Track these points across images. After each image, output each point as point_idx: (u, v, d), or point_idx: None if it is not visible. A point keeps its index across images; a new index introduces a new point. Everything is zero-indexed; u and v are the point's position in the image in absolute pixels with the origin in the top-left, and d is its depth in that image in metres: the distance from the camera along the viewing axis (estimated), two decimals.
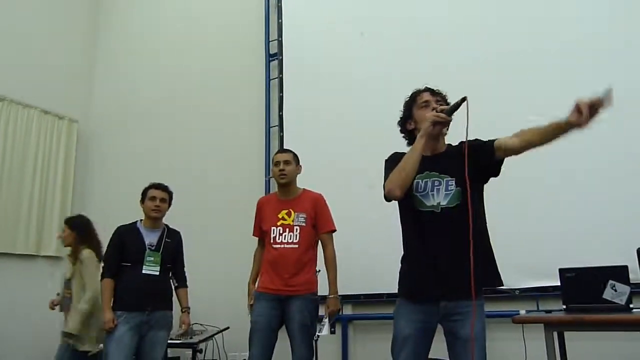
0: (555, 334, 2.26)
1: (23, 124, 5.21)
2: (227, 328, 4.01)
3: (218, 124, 5.02)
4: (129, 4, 6.15)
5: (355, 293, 3.95)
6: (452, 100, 2.08)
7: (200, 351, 3.93)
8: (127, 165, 5.48)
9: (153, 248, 3.27)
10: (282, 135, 4.58)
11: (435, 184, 2.08)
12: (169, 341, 3.85)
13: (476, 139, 2.09)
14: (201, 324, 4.13)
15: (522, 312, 2.94)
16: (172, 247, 3.37)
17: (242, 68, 5.05)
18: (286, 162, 3.20)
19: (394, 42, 4.20)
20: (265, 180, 4.53)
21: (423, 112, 2.14)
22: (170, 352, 4.30)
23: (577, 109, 1.69)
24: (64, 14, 5.89)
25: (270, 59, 4.86)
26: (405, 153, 2.12)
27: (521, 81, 3.65)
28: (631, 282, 2.29)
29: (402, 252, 2.22)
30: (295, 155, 3.30)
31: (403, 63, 4.10)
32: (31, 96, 5.30)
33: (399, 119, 2.28)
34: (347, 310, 4.01)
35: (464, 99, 1.94)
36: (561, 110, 1.78)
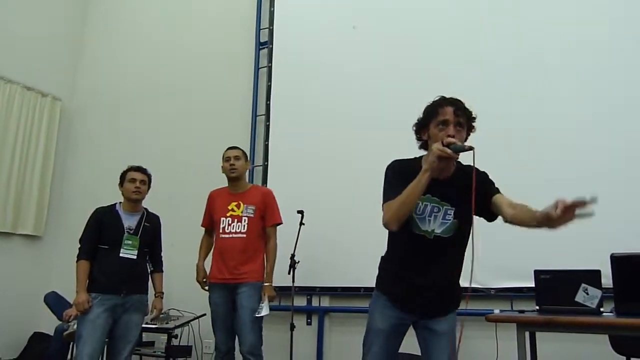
0: (527, 334, 2.29)
1: (4, 99, 5.10)
2: (204, 315, 4.00)
3: (204, 109, 4.98)
4: None
5: (333, 285, 3.98)
6: (480, 116, 2.07)
7: (176, 336, 3.92)
8: (109, 146, 5.42)
9: (132, 232, 3.25)
10: (269, 124, 4.56)
11: (434, 210, 2.06)
12: (145, 325, 3.83)
13: (485, 175, 2.12)
14: (177, 310, 4.13)
15: (496, 311, 2.99)
16: (150, 231, 3.36)
17: (231, 54, 5.00)
18: (236, 158, 3.43)
19: (386, 36, 4.19)
20: (250, 169, 4.50)
21: (438, 131, 1.97)
22: (145, 337, 4.29)
23: (556, 206, 1.71)
24: None
25: (260, 47, 4.83)
26: (408, 161, 2.13)
27: (518, 76, 3.67)
28: (603, 286, 2.33)
29: (384, 251, 2.25)
30: (244, 152, 3.53)
31: (395, 56, 4.10)
32: (14, 71, 5.20)
33: (416, 122, 2.12)
34: (325, 302, 4.03)
35: (471, 148, 1.90)
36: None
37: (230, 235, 3.33)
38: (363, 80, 4.17)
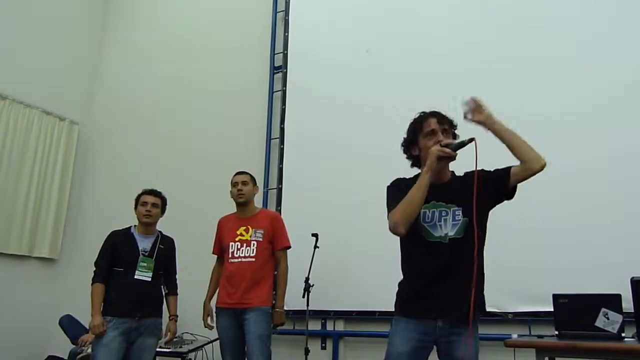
0: None
1: (24, 123, 5.21)
2: (217, 339, 3.98)
3: (219, 133, 5.04)
4: (134, 9, 6.20)
5: (348, 309, 3.94)
6: (461, 125, 2.14)
7: None
8: (125, 169, 5.48)
9: (146, 254, 3.27)
10: (283, 147, 4.60)
11: (443, 214, 2.09)
12: (159, 349, 3.82)
13: (483, 170, 2.08)
14: (191, 334, 4.10)
15: (514, 336, 2.93)
16: (165, 253, 3.38)
17: (246, 78, 5.07)
18: (243, 183, 3.44)
19: (399, 60, 4.24)
20: (264, 192, 4.53)
21: (428, 141, 2.08)
22: None
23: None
24: (68, 17, 5.93)
25: (275, 71, 4.90)
26: (407, 179, 2.15)
27: (527, 101, 3.66)
28: (624, 311, 2.29)
29: (399, 273, 2.21)
30: (252, 177, 3.52)
31: (409, 79, 4.12)
32: (33, 97, 5.32)
33: (403, 141, 2.22)
34: (339, 326, 3.99)
35: (471, 139, 1.97)
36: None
37: (239, 260, 3.31)
38: (377, 103, 4.19)
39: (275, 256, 3.39)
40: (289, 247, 3.45)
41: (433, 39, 4.16)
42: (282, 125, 4.67)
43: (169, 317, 3.39)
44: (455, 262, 2.03)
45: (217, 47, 5.37)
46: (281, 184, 4.51)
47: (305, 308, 3.63)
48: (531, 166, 1.99)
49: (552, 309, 2.52)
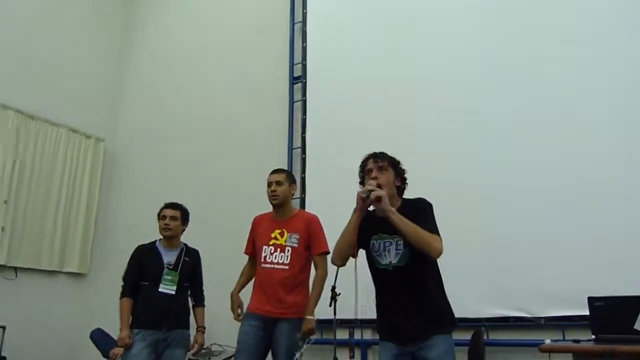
0: None
1: (51, 142, 5.34)
2: None
3: (242, 145, 5.07)
4: (157, 27, 6.30)
5: (375, 318, 3.89)
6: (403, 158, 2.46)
7: None
8: (151, 184, 5.55)
9: (171, 267, 3.31)
10: (305, 157, 4.60)
11: (386, 245, 2.32)
12: None
13: (421, 203, 2.32)
14: (219, 345, 4.11)
15: (548, 341, 2.86)
16: (190, 265, 3.40)
17: (266, 90, 5.11)
18: (278, 183, 3.18)
19: (419, 67, 4.22)
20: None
21: (369, 179, 2.34)
22: None
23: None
24: (93, 37, 6.08)
25: (294, 81, 4.92)
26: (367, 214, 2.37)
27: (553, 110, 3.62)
28: None
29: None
30: (288, 175, 3.29)
31: (426, 88, 4.11)
32: (60, 115, 5.45)
33: (360, 179, 2.49)
34: (367, 335, 3.95)
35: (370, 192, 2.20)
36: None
37: (272, 266, 3.07)
38: (396, 110, 4.18)
39: (314, 261, 3.14)
40: (328, 252, 3.13)
41: (451, 46, 4.12)
42: (304, 135, 4.68)
43: (197, 328, 3.41)
44: (403, 285, 2.25)
45: (236, 61, 5.42)
46: (304, 193, 4.51)
47: (333, 317, 3.60)
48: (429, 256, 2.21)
49: (586, 313, 2.46)
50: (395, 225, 2.17)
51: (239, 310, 3.13)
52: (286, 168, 4.66)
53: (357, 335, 3.98)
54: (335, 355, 3.55)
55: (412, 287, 2.24)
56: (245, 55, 5.38)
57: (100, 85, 6.07)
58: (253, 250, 3.26)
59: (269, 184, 3.21)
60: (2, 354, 4.32)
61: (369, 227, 2.36)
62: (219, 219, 4.78)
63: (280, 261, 3.07)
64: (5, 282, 4.80)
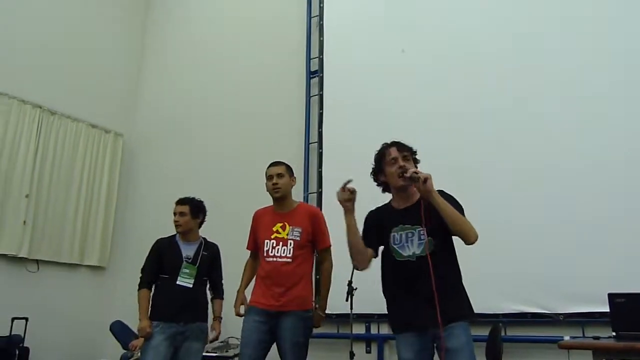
0: None
1: (72, 137, 5.42)
2: None
3: (259, 140, 5.09)
4: (174, 24, 6.34)
5: None
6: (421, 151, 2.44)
7: None
8: (169, 178, 5.60)
9: (190, 260, 3.32)
10: (322, 151, 4.60)
11: (409, 236, 2.31)
12: (205, 354, 3.87)
13: (442, 192, 2.26)
14: (237, 338, 4.14)
15: (567, 337, 2.83)
16: (208, 259, 3.41)
17: (283, 85, 5.12)
18: (279, 176, 3.13)
19: (436, 62, 4.19)
20: (305, 196, 4.54)
21: (390, 167, 2.34)
22: None
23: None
24: (112, 34, 6.15)
25: (311, 76, 4.92)
26: (377, 210, 2.48)
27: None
28: None
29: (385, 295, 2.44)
30: (288, 168, 3.22)
31: (443, 82, 4.08)
32: (80, 111, 5.53)
33: (372, 170, 2.48)
34: (384, 330, 3.95)
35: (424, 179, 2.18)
36: None
37: (275, 259, 3.03)
38: (413, 104, 4.16)
39: (319, 255, 3.19)
40: (330, 246, 3.21)
41: (468, 40, 4.09)
42: (320, 129, 4.68)
43: (213, 318, 3.41)
44: (427, 278, 2.20)
45: (254, 55, 5.44)
46: (321, 187, 4.51)
47: (349, 312, 3.61)
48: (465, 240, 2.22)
49: (606, 309, 2.43)
50: (439, 207, 2.16)
51: (243, 308, 3.12)
52: (303, 163, 4.68)
53: (374, 330, 3.98)
54: (351, 349, 3.57)
55: (434, 275, 2.21)
56: (262, 50, 5.39)
57: (119, 81, 6.14)
58: (255, 245, 3.24)
59: (270, 177, 3.16)
60: (25, 345, 4.41)
61: (387, 220, 2.37)
62: (235, 215, 4.80)
63: (283, 254, 3.03)
64: (27, 275, 4.90)
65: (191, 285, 3.27)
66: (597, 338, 2.35)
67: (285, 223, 3.09)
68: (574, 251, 3.29)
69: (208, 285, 3.45)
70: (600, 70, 3.53)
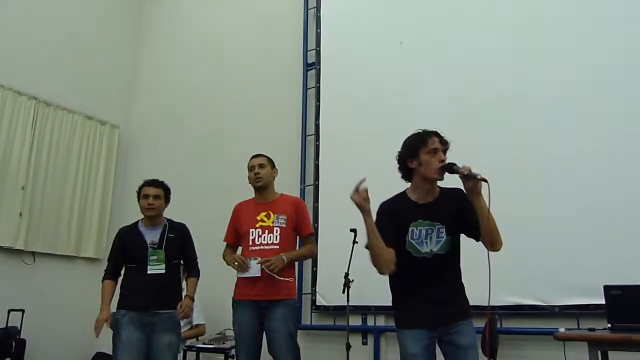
0: (599, 354, 2.18)
1: (67, 128, 5.39)
2: None
3: (255, 132, 5.07)
4: (170, 16, 6.30)
5: (388, 304, 3.89)
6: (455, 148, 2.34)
7: (233, 357, 3.94)
8: (165, 170, 5.52)
9: (155, 246, 3.23)
10: (318, 144, 4.59)
11: (428, 232, 2.27)
12: (202, 346, 3.89)
13: (461, 191, 2.23)
14: (233, 330, 4.15)
15: (562, 329, 2.85)
16: (176, 241, 3.29)
17: (280, 77, 5.09)
18: (260, 166, 3.23)
19: (434, 54, 4.17)
20: (301, 189, 4.54)
21: (430, 157, 2.24)
22: (203, 357, 4.33)
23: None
24: (108, 26, 6.09)
25: (308, 68, 4.90)
26: (391, 200, 2.39)
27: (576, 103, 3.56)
28: None
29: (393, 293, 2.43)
30: (269, 159, 3.30)
31: (441, 74, 4.07)
32: (76, 102, 5.49)
33: (399, 153, 2.37)
34: (380, 322, 3.97)
35: (484, 180, 2.09)
36: None
37: (261, 247, 3.06)
38: (411, 97, 4.15)
39: (304, 242, 3.26)
40: (313, 233, 3.31)
41: (467, 31, 4.07)
42: (317, 122, 4.67)
43: (184, 296, 3.27)
44: (442, 276, 2.26)
45: (250, 47, 5.41)
46: (318, 180, 4.51)
47: (346, 303, 3.62)
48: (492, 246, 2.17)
49: (601, 302, 2.44)
50: (481, 209, 2.10)
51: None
52: (300, 155, 4.67)
53: (370, 322, 4.00)
54: (348, 341, 3.59)
55: (448, 274, 2.29)
56: (259, 42, 5.36)
57: (115, 72, 6.09)
58: (235, 237, 3.27)
59: (252, 168, 3.25)
60: (22, 337, 4.41)
61: (404, 213, 2.31)
62: (231, 205, 4.79)
63: (270, 242, 3.09)
64: (23, 267, 4.89)
65: (164, 271, 3.18)
66: (593, 330, 2.37)
67: (270, 212, 3.16)
68: (570, 243, 3.30)
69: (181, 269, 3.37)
70: (604, 59, 3.52)
